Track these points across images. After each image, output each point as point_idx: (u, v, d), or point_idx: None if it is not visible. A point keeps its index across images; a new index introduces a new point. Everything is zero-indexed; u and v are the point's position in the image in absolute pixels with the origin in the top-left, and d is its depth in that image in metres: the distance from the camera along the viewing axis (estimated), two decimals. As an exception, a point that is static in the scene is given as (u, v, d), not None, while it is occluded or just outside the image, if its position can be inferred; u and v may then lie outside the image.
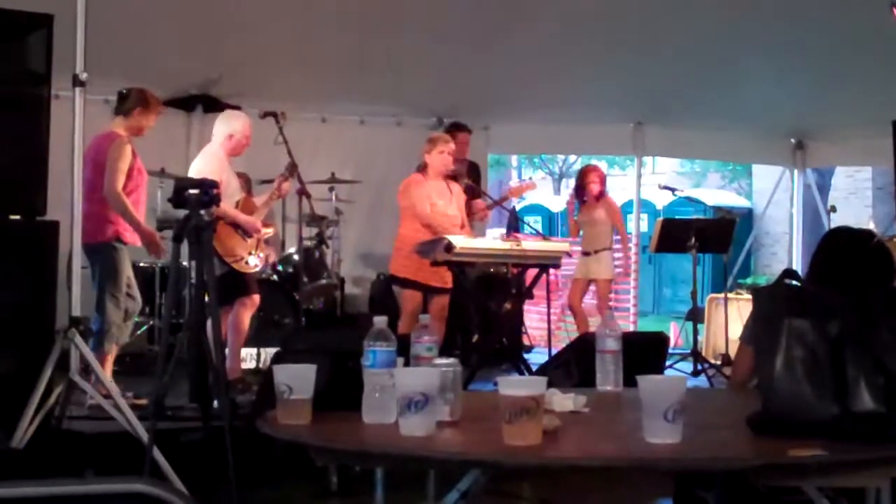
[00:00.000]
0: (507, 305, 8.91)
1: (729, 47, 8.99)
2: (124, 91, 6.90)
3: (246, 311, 7.29)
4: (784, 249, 17.18)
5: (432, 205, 7.91)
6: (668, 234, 9.35)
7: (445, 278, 7.84)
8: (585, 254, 9.67)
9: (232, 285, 7.04)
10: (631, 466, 2.93)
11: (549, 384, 3.12)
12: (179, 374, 4.79)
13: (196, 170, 7.03)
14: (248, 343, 8.14)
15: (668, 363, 7.55)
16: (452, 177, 8.17)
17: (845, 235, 3.76)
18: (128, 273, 6.83)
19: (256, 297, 7.42)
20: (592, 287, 9.84)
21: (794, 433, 2.93)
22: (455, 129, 9.25)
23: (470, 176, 9.12)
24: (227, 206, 7.06)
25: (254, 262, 7.38)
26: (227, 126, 7.32)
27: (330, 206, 9.60)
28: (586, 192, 9.75)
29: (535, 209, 21.87)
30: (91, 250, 6.70)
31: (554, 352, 7.82)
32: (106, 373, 6.78)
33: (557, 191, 28.14)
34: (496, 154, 9.51)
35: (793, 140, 12.17)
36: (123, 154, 6.68)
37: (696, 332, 9.17)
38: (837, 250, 3.63)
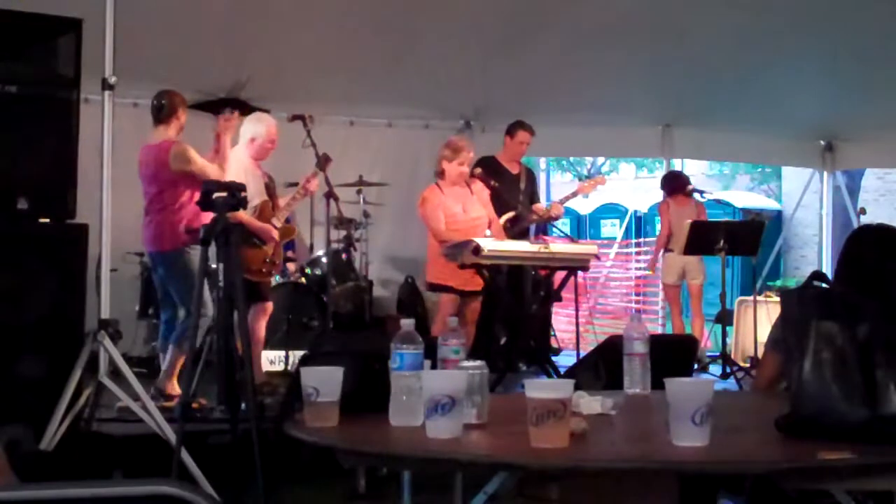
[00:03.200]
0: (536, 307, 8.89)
1: (757, 49, 8.95)
2: (155, 101, 6.91)
3: (259, 319, 7.21)
4: (813, 252, 17.15)
5: (451, 215, 7.82)
6: (698, 236, 9.28)
7: (479, 282, 7.79)
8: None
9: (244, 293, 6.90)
10: (658, 469, 2.92)
11: (577, 387, 3.11)
12: (208, 377, 4.82)
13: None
14: (277, 345, 8.16)
15: (696, 366, 7.52)
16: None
17: (873, 233, 3.72)
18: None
19: (269, 305, 7.37)
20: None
21: (824, 436, 2.91)
22: (518, 127, 8.98)
23: (528, 182, 9.08)
24: (242, 213, 6.86)
25: (275, 274, 7.32)
26: (250, 129, 7.29)
27: (358, 209, 9.59)
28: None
29: (563, 211, 21.77)
30: (163, 258, 6.76)
31: (582, 354, 7.79)
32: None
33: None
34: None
35: (822, 142, 12.08)
36: (190, 153, 6.74)
37: (724, 335, 9.13)
38: (865, 249, 3.59)
